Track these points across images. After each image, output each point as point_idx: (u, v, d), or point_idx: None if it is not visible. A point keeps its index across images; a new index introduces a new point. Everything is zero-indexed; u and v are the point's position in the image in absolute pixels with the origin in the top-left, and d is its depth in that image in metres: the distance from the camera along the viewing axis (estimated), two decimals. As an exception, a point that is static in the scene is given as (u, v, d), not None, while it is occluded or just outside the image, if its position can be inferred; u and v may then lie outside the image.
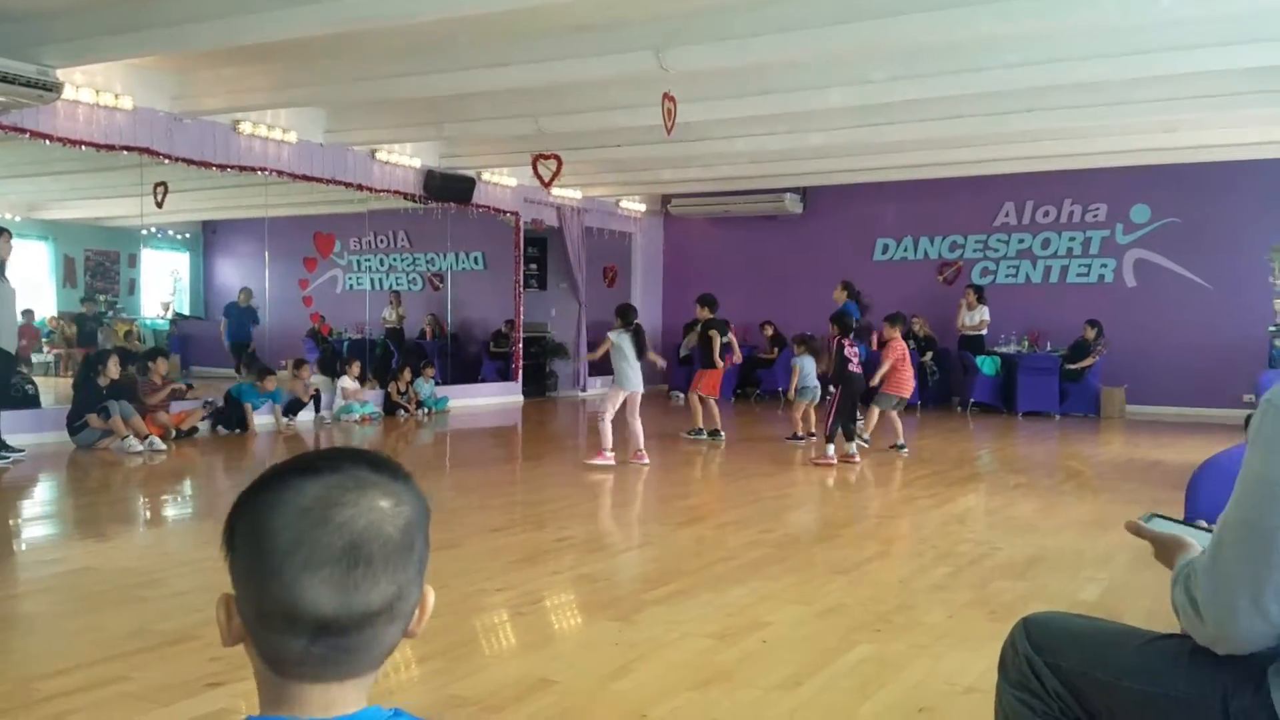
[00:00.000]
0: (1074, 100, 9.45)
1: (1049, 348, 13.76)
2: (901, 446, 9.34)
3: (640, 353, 8.53)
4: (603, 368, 16.57)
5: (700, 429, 10.02)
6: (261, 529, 0.90)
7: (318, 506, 0.89)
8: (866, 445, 9.38)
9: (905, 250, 15.41)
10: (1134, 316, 13.65)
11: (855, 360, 8.84)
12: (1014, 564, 5.13)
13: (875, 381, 9.35)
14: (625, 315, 8.67)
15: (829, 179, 14.35)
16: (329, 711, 0.91)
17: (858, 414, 10.43)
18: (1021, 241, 14.63)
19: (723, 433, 9.99)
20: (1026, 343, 13.95)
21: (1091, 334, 13.20)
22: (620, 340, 8.43)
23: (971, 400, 13.71)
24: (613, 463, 8.12)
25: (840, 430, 8.68)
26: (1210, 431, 11.04)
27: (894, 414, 9.47)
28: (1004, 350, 13.82)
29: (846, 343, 8.80)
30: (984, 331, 13.86)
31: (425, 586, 0.99)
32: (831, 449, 8.62)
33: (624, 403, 8.44)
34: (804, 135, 10.98)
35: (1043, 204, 14.42)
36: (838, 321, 8.99)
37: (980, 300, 13.87)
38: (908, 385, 9.53)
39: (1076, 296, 14.08)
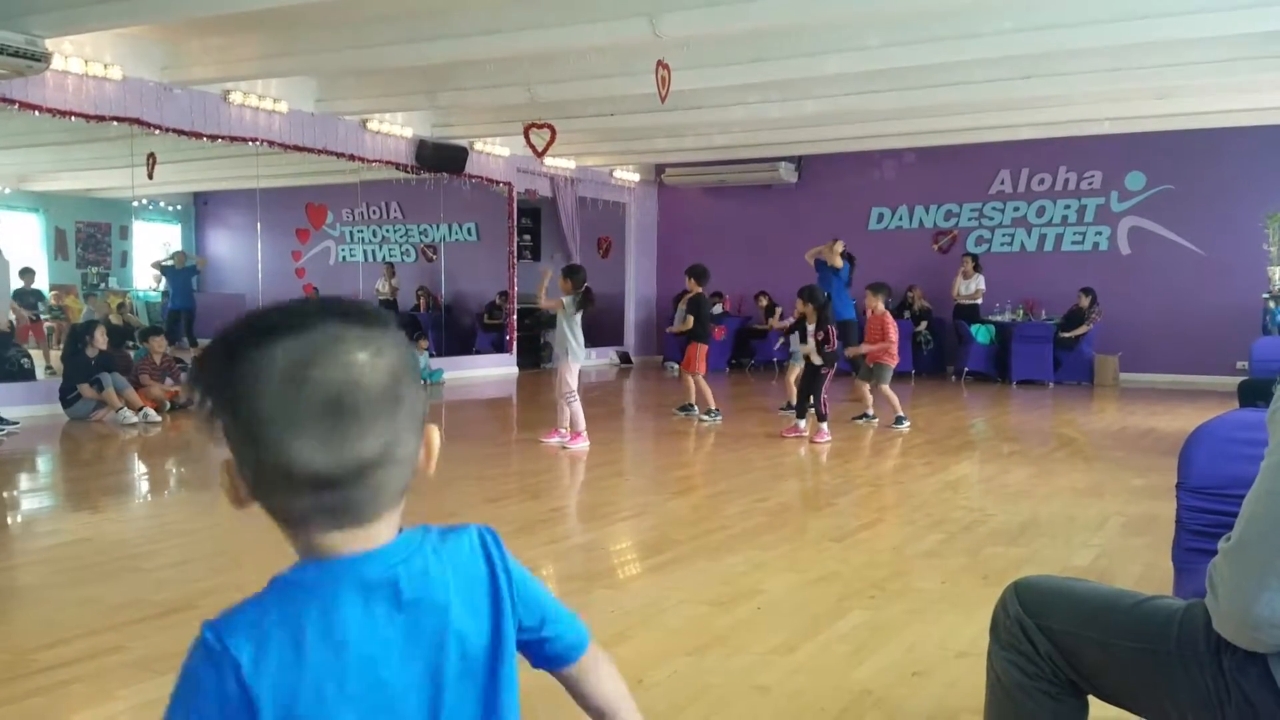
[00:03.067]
0: (1069, 67, 9.41)
1: (1044, 316, 13.78)
2: (871, 416, 9.34)
3: (584, 315, 7.92)
4: (598, 337, 16.62)
5: (692, 405, 9.46)
6: (241, 398, 0.89)
7: (293, 368, 0.89)
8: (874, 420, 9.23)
9: (900, 219, 15.38)
10: (1128, 284, 13.66)
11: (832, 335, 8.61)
12: (1007, 530, 5.16)
13: (864, 352, 9.20)
14: (574, 277, 7.89)
15: (824, 148, 14.30)
16: (366, 549, 0.94)
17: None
18: (1016, 209, 14.60)
19: (718, 411, 9.42)
20: (1021, 311, 13.97)
21: (1086, 302, 13.21)
22: (570, 306, 7.79)
23: (966, 369, 13.73)
24: (585, 445, 7.70)
25: (816, 408, 8.41)
26: (1203, 399, 11.08)
27: (865, 386, 9.35)
28: (999, 319, 13.83)
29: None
30: (979, 300, 13.87)
31: (428, 428, 0.99)
32: (804, 421, 8.44)
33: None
34: (799, 103, 10.93)
35: (1038, 171, 14.39)
36: (810, 298, 8.60)
37: (976, 269, 13.86)
38: (896, 354, 9.44)
39: (1071, 264, 14.08)
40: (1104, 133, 12.78)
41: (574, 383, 7.83)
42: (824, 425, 8.34)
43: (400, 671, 0.94)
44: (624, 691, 1.18)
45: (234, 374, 0.90)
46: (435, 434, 1.00)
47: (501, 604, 1.01)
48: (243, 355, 0.90)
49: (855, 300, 11.09)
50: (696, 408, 9.41)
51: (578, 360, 7.91)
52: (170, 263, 13.89)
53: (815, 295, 8.58)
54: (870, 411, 9.28)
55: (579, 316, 7.86)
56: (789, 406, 9.91)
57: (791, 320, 8.90)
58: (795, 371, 9.95)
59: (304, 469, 0.89)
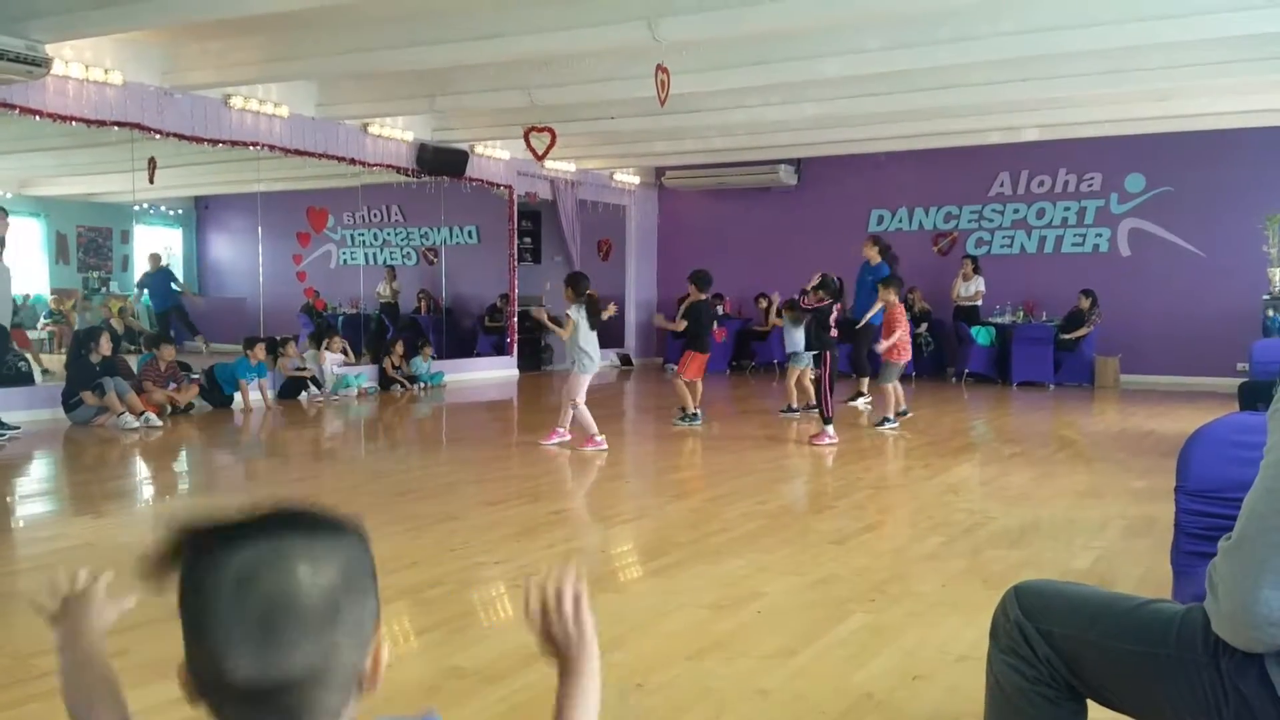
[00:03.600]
0: (1067, 70, 9.41)
1: (1044, 318, 13.78)
2: (811, 408, 9.41)
3: (593, 326, 7.94)
4: (598, 339, 16.61)
5: (687, 412, 9.26)
6: (190, 603, 0.92)
7: (236, 580, 0.91)
8: (897, 424, 9.05)
9: (900, 221, 15.39)
10: (1128, 286, 13.66)
11: (833, 328, 8.59)
12: (1008, 533, 5.17)
13: (881, 349, 9.12)
14: (577, 285, 7.98)
15: (824, 150, 14.30)
16: None
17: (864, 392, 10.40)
18: (1016, 211, 14.61)
19: (699, 414, 9.28)
20: (1021, 313, 13.97)
21: (1086, 304, 13.21)
22: (579, 317, 7.84)
23: (966, 371, 13.73)
24: (604, 448, 7.71)
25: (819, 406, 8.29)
26: (1203, 400, 11.07)
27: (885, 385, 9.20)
28: (999, 320, 13.84)
29: (837, 309, 8.53)
30: (979, 302, 13.87)
31: (378, 641, 0.98)
32: (831, 428, 8.18)
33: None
34: (798, 106, 10.94)
35: (1038, 174, 14.39)
36: (824, 287, 8.52)
37: (976, 271, 13.87)
38: (908, 351, 9.38)
39: (1071, 266, 14.08)
40: (1103, 135, 12.78)
41: (582, 394, 7.81)
42: (828, 427, 8.20)
43: None
44: None
45: (191, 577, 0.93)
46: (385, 650, 1.00)
47: None
48: (200, 561, 0.93)
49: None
50: (685, 411, 9.22)
51: (586, 372, 7.88)
52: (147, 269, 13.84)
53: (828, 283, 8.50)
54: (890, 415, 9.07)
55: (586, 326, 7.84)
56: (789, 409, 9.93)
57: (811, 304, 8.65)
58: (795, 374, 9.97)
59: (232, 677, 0.90)
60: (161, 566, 0.95)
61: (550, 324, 8.40)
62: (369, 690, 0.99)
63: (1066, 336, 13.22)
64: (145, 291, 13.78)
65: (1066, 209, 14.28)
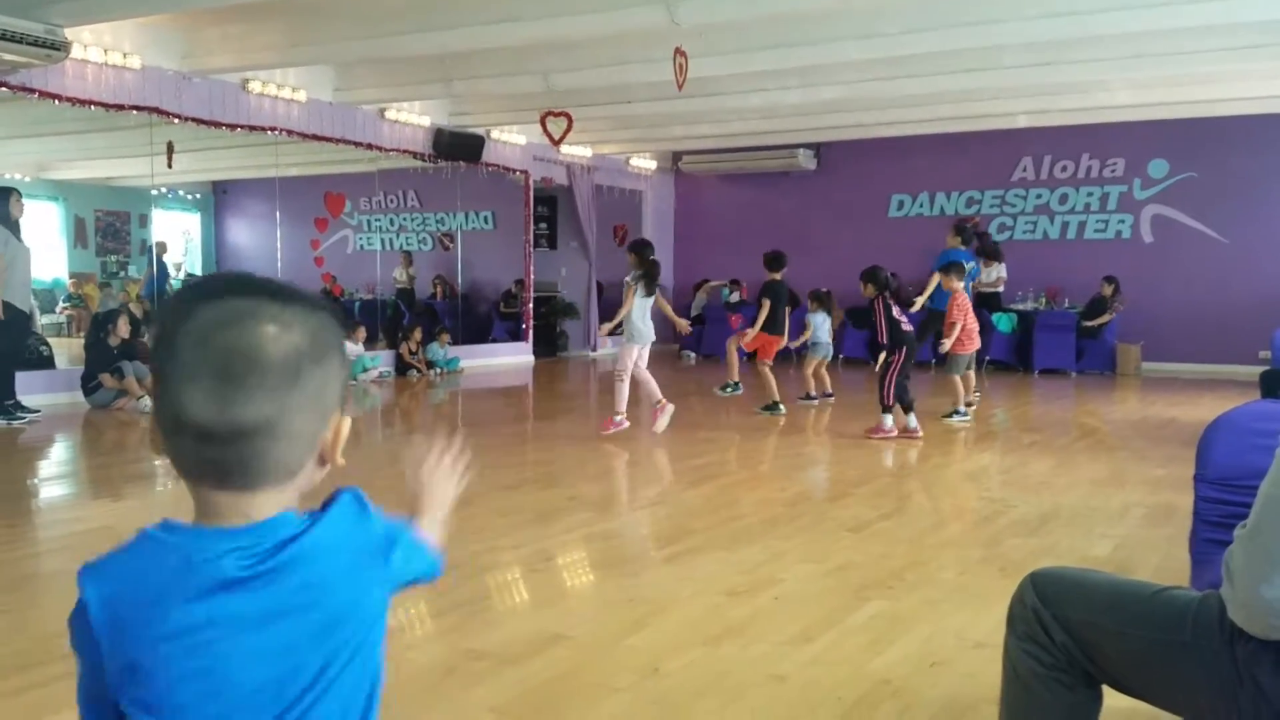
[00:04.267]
0: (1091, 54, 9.31)
1: (1066, 305, 13.68)
2: (829, 395, 9.47)
3: (649, 292, 7.74)
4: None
5: (777, 403, 9.01)
6: (162, 346, 0.97)
7: (206, 328, 0.95)
8: (968, 416, 8.68)
9: (921, 206, 15.29)
10: (1151, 273, 13.54)
11: (905, 319, 7.93)
12: (1026, 521, 5.14)
13: (944, 348, 8.58)
14: (641, 251, 7.88)
15: (843, 134, 14.21)
16: (247, 519, 0.99)
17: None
18: (1039, 197, 14.49)
19: (782, 406, 9.04)
20: (1043, 300, 13.87)
21: (1108, 290, 13.11)
22: (638, 284, 7.67)
23: (987, 358, 13.65)
24: (625, 426, 7.73)
25: (900, 400, 7.74)
26: (1225, 388, 10.98)
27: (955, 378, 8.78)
28: (1020, 307, 13.75)
29: (891, 301, 7.84)
30: (1001, 289, 13.77)
31: (340, 416, 1.03)
32: (890, 420, 7.74)
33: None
34: (818, 89, 10.86)
35: (1060, 159, 14.27)
36: (871, 279, 7.90)
37: (998, 257, 13.77)
38: (976, 339, 8.81)
39: (1093, 253, 13.96)
40: (1126, 119, 12.66)
41: (629, 364, 7.70)
42: (886, 417, 7.75)
43: (241, 650, 0.96)
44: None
45: (165, 323, 0.97)
46: (346, 424, 1.04)
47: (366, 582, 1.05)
48: (176, 309, 0.98)
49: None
50: (771, 401, 8.98)
51: (635, 343, 7.74)
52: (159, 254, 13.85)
53: (876, 276, 7.91)
54: (961, 407, 8.66)
55: (647, 298, 7.68)
56: (807, 397, 9.89)
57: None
58: (813, 363, 9.93)
59: (190, 417, 0.94)
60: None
61: (614, 323, 8.07)
62: (330, 461, 1.04)
63: (1088, 324, 13.13)
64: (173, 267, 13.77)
65: (1089, 194, 14.16)
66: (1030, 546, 4.61)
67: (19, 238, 8.18)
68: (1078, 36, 8.62)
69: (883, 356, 7.99)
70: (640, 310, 7.80)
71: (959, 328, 8.52)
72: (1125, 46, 9.13)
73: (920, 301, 9.75)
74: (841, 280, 13.90)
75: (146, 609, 0.95)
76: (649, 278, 7.78)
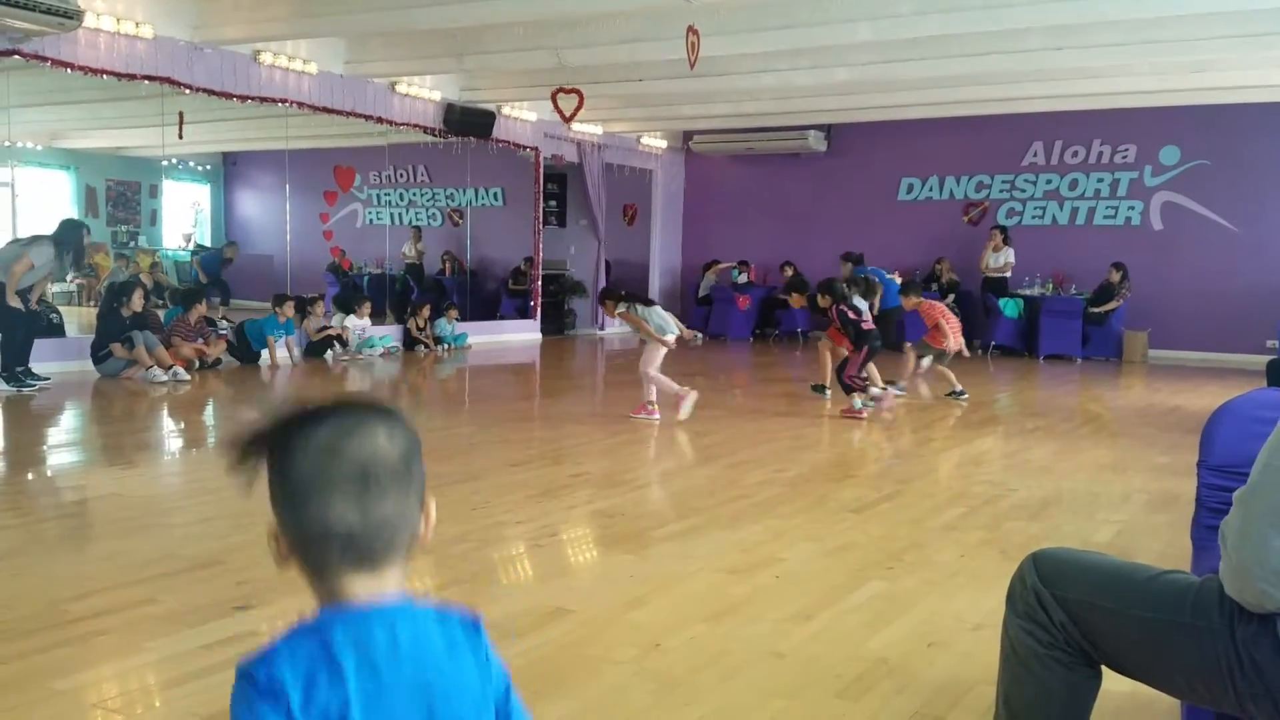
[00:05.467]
0: (1104, 39, 9.26)
1: (1074, 291, 13.65)
2: (959, 392, 9.26)
3: (650, 304, 7.85)
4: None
5: (886, 384, 8.94)
6: (289, 470, 1.10)
7: (331, 444, 1.10)
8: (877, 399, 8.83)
9: (931, 190, 15.24)
10: (1159, 260, 13.50)
11: (864, 318, 8.30)
12: (1028, 505, 5.16)
13: (933, 340, 9.12)
14: (627, 298, 7.89)
15: (854, 116, 14.16)
16: (379, 598, 1.12)
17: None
18: (1049, 182, 14.43)
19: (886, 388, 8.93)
20: (1051, 285, 13.84)
21: (1116, 277, 13.08)
22: (645, 313, 7.71)
23: (993, 343, 13.65)
24: (656, 417, 7.63)
25: (851, 384, 8.12)
26: (1232, 377, 10.97)
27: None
28: (1028, 293, 13.72)
29: (845, 309, 8.21)
30: (1008, 274, 13.75)
31: (428, 499, 1.18)
32: (859, 400, 8.08)
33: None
34: (829, 71, 10.82)
35: (1071, 144, 14.20)
36: (829, 291, 8.30)
37: (1006, 242, 13.74)
38: (951, 339, 9.11)
39: (1102, 239, 13.92)
40: (1138, 105, 12.59)
41: (658, 360, 7.69)
42: (854, 398, 8.01)
43: (397, 707, 1.09)
44: None
45: (284, 454, 1.11)
46: (433, 505, 1.19)
47: (486, 674, 1.15)
48: (291, 434, 1.12)
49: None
50: (882, 386, 8.94)
51: (666, 336, 7.71)
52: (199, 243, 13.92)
53: (833, 288, 8.30)
54: (958, 388, 8.98)
55: (649, 308, 7.76)
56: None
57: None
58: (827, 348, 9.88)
59: (338, 526, 1.10)
60: (249, 455, 1.13)
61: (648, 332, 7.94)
62: (424, 542, 1.18)
63: (1095, 310, 13.10)
64: (191, 241, 13.83)
65: (1099, 180, 14.10)
66: (1031, 530, 4.64)
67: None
68: (1091, 21, 8.57)
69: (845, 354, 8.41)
70: (658, 315, 7.76)
71: (944, 326, 9.04)
72: (1139, 32, 9.07)
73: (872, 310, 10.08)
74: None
75: (347, 681, 1.06)
76: (635, 298, 7.80)
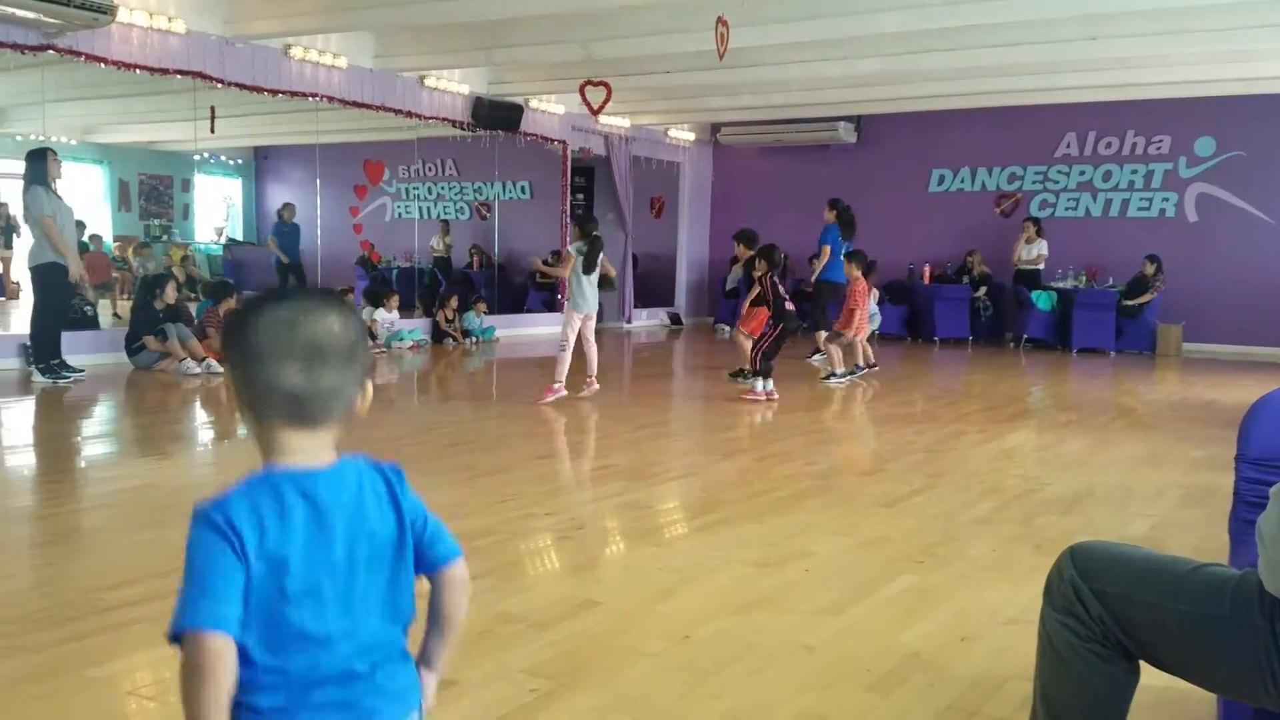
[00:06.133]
0: (1137, 28, 9.14)
1: (1108, 283, 13.50)
2: (873, 365, 9.69)
3: (589, 268, 7.76)
4: (649, 298, 16.62)
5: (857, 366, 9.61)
6: (250, 337, 1.27)
7: (289, 320, 1.28)
8: (844, 378, 9.35)
9: (962, 181, 15.11)
10: (1194, 252, 13.32)
11: (788, 299, 8.43)
12: (1061, 499, 5.10)
13: (841, 322, 9.48)
14: (584, 225, 7.96)
15: (884, 107, 14.06)
16: (311, 457, 1.30)
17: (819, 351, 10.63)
18: (1082, 174, 14.27)
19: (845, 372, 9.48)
20: (1084, 278, 13.69)
21: (1150, 270, 12.92)
22: (578, 254, 7.74)
23: (1025, 336, 13.53)
24: (563, 394, 7.77)
25: (764, 367, 8.29)
26: (1268, 371, 10.81)
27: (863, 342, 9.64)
28: (1060, 285, 13.58)
29: (776, 281, 8.35)
30: (1041, 266, 13.62)
31: (366, 382, 1.36)
32: (761, 384, 8.23)
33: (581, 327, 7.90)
34: (859, 62, 10.75)
35: (1105, 135, 14.03)
36: (766, 257, 8.36)
37: (1039, 234, 13.60)
38: (864, 326, 9.62)
39: (1136, 231, 13.75)
40: (1173, 96, 12.41)
41: (572, 335, 7.80)
42: (756, 381, 8.27)
43: (331, 549, 1.29)
44: (459, 617, 1.48)
45: (249, 321, 1.28)
46: (370, 386, 1.37)
47: (402, 514, 1.37)
48: (256, 310, 1.29)
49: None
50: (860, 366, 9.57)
51: (578, 311, 7.80)
52: (281, 216, 13.86)
53: (771, 255, 8.39)
54: (839, 370, 9.34)
55: (588, 274, 7.76)
56: (854, 370, 9.81)
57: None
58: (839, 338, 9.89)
59: (286, 387, 1.27)
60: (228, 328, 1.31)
61: (548, 269, 8.79)
62: (360, 413, 1.36)
63: (1129, 303, 12.95)
64: (275, 239, 13.82)
65: (1133, 172, 13.93)
66: (1065, 525, 4.59)
67: (59, 196, 8.27)
68: (1126, 10, 8.46)
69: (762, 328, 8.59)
70: (586, 282, 7.80)
71: (858, 314, 9.39)
72: (1174, 21, 8.95)
73: (816, 270, 10.90)
74: (879, 256, 13.81)
75: (288, 522, 1.26)
76: (590, 255, 7.76)
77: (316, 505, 1.28)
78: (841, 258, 10.86)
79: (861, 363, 9.81)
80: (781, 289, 8.38)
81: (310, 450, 1.30)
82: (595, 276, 7.86)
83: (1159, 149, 13.73)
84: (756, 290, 8.81)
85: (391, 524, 1.35)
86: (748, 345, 8.97)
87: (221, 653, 1.21)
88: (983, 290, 14.07)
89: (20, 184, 8.26)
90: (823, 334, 10.82)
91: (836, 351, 9.43)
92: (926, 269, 14.66)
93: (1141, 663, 1.97)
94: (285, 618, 1.25)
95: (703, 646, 3.05)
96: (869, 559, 4.01)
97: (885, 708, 2.67)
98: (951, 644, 3.13)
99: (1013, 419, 7.82)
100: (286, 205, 13.95)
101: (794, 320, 8.41)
